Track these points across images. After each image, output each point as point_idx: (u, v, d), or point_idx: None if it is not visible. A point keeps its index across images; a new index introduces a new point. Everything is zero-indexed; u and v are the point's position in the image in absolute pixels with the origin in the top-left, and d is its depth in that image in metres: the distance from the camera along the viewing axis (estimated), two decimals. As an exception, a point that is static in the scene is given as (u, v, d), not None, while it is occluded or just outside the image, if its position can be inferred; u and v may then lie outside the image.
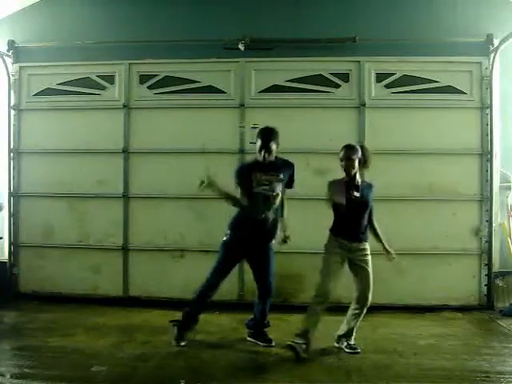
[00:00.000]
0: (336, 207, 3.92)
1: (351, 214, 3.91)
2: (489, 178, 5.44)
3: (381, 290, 5.43)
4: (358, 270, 3.98)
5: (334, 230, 3.99)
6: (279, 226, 4.13)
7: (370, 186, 4.04)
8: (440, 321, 5.02)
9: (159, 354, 3.95)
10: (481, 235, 5.44)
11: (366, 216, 3.99)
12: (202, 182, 3.85)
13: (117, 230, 5.71)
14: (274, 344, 4.13)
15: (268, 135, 3.96)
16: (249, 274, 5.51)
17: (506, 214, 5.54)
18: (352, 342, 4.06)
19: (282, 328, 4.52)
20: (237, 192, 3.99)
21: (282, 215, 4.16)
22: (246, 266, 5.51)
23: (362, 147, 4.03)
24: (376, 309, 5.32)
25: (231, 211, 4.14)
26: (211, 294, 4.12)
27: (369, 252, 4.02)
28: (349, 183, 3.91)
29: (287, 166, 4.11)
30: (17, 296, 5.76)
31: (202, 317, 4.61)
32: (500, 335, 4.56)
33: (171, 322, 4.20)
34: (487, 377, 3.51)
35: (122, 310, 5.29)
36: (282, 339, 4.05)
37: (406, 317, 5.11)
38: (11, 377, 3.47)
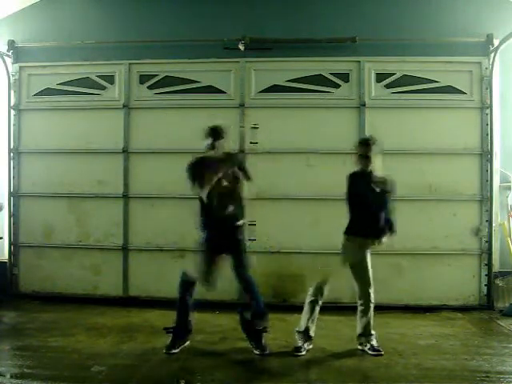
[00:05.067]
0: (355, 201, 3.85)
1: (371, 208, 3.83)
2: (489, 178, 5.44)
3: (381, 290, 5.46)
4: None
5: (353, 230, 3.90)
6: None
7: (385, 180, 3.95)
8: (440, 321, 5.01)
9: (159, 353, 3.94)
10: (481, 235, 5.44)
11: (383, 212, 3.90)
12: None
13: (117, 230, 5.71)
14: (268, 352, 3.89)
15: (218, 132, 4.04)
16: (249, 274, 5.55)
17: (506, 214, 5.54)
18: (374, 342, 3.98)
19: (282, 328, 4.51)
20: (194, 190, 3.98)
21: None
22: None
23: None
24: (376, 309, 5.32)
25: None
26: (191, 292, 4.06)
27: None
28: (369, 176, 3.84)
29: (236, 158, 4.19)
30: (17, 296, 5.76)
31: (201, 317, 4.61)
32: (500, 335, 4.56)
33: (165, 329, 4.06)
34: (487, 377, 3.51)
35: (122, 310, 5.29)
36: (282, 339, 4.05)
37: (406, 317, 5.11)
38: (11, 377, 3.47)
